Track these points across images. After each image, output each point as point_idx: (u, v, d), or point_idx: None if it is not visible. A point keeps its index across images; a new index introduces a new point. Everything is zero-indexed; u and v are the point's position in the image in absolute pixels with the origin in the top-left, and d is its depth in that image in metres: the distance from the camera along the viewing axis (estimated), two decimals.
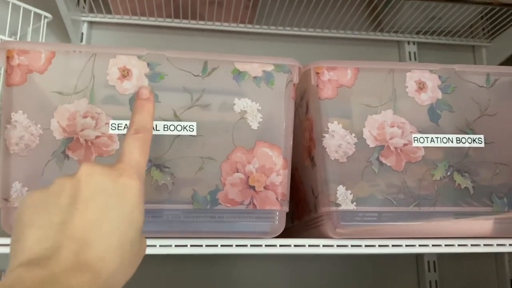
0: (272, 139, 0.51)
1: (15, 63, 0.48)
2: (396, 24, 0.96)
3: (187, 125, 0.50)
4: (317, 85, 0.53)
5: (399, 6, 0.90)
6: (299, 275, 0.88)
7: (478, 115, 0.54)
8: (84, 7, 0.91)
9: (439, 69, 0.54)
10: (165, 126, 0.49)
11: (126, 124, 0.49)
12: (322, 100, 0.53)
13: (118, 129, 0.49)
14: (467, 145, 0.53)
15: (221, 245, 0.51)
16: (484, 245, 0.54)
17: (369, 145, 0.53)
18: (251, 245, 0.51)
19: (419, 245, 0.53)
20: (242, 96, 0.51)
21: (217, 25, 0.94)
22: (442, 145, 0.53)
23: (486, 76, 0.55)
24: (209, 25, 0.94)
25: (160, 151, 0.49)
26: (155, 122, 0.49)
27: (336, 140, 0.52)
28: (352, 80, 0.54)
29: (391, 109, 0.53)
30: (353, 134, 0.53)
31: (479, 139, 0.53)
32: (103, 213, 0.30)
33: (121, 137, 0.49)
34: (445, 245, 0.53)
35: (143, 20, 0.92)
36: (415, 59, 1.01)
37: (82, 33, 0.92)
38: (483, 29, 1.05)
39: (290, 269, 0.89)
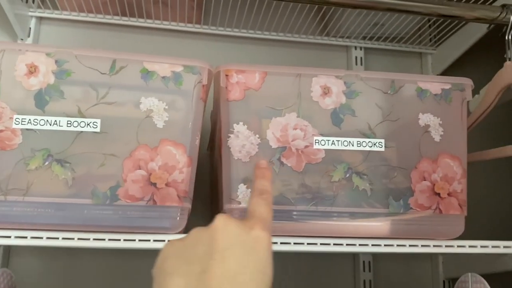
0: (177, 138, 0.53)
1: None
2: (341, 29, 0.98)
3: (90, 122, 0.51)
4: (226, 87, 0.55)
5: (341, 11, 0.92)
6: None
7: (381, 120, 0.56)
8: (33, 2, 0.92)
9: (345, 75, 0.56)
10: (69, 122, 0.50)
11: (30, 119, 0.50)
12: (230, 101, 0.55)
13: (21, 124, 0.50)
14: (367, 148, 0.55)
15: (124, 240, 0.53)
16: (385, 245, 0.56)
17: (271, 146, 0.55)
18: (154, 240, 0.53)
19: (321, 244, 0.55)
20: (149, 95, 0.53)
21: (164, 24, 0.95)
22: (343, 148, 0.55)
23: (391, 83, 0.57)
24: (156, 24, 0.95)
25: (62, 146, 0.50)
26: (58, 118, 0.50)
27: (240, 141, 0.54)
28: (259, 83, 0.55)
29: (295, 112, 0.55)
30: (257, 135, 0.54)
31: (380, 143, 0.56)
32: (239, 264, 0.32)
33: (24, 132, 0.50)
34: (347, 244, 0.56)
35: (91, 17, 0.93)
36: (361, 64, 1.04)
37: (30, 29, 0.93)
38: (430, 37, 1.07)
39: None
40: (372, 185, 0.55)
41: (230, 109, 0.55)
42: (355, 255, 0.96)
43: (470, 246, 0.59)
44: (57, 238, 0.51)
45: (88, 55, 0.52)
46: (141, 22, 0.95)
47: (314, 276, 0.93)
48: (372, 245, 0.56)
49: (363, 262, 0.95)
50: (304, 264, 0.93)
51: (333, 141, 0.55)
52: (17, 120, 0.50)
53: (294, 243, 0.55)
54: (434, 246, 0.57)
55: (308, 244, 0.54)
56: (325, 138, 0.55)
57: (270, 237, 0.35)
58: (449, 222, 0.56)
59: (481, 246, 0.59)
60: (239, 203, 0.53)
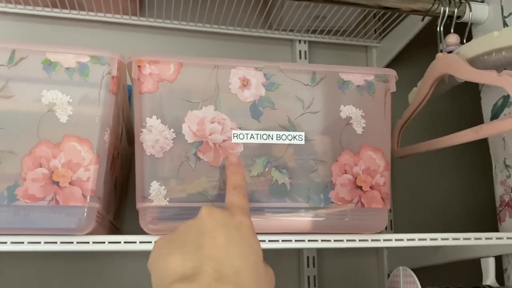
0: (82, 133, 0.50)
1: None
2: (284, 21, 0.96)
3: None
4: (138, 79, 0.52)
5: (281, 2, 0.90)
6: None
7: (301, 113, 0.55)
8: None
9: (264, 66, 0.54)
10: (2, 120, 0.46)
11: None
12: (142, 94, 0.52)
13: None
14: (287, 142, 0.54)
15: (28, 242, 0.49)
16: (309, 240, 0.55)
17: (187, 141, 0.52)
18: (61, 242, 0.50)
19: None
20: (52, 88, 0.49)
21: (99, 16, 0.91)
22: (262, 141, 0.53)
23: (312, 75, 0.56)
24: (90, 16, 0.91)
25: None
26: None
27: (153, 135, 0.51)
28: (174, 74, 0.53)
29: (213, 105, 0.53)
30: (172, 130, 0.52)
31: (300, 136, 0.54)
32: (228, 239, 0.35)
33: None
34: (270, 241, 0.54)
35: (20, 9, 0.88)
36: (305, 58, 1.03)
37: None
38: (375, 28, 1.07)
39: None
40: (291, 179, 0.53)
41: (143, 102, 0.52)
42: (299, 251, 0.95)
43: (396, 240, 0.58)
44: None
45: None
46: (74, 14, 0.91)
47: None
48: (296, 240, 0.54)
49: (307, 257, 0.94)
50: None
51: (251, 134, 0.53)
52: None
53: None
54: (359, 240, 0.56)
55: None
56: (244, 132, 0.53)
57: (250, 221, 0.39)
58: (372, 215, 0.55)
59: (408, 239, 0.58)
60: (152, 201, 0.51)
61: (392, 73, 0.58)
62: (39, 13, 0.89)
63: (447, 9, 0.74)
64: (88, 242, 0.50)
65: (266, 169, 0.53)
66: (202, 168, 0.52)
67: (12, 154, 0.48)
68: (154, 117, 0.52)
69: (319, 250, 0.95)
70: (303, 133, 0.54)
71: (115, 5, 0.90)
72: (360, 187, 0.55)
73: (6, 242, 0.49)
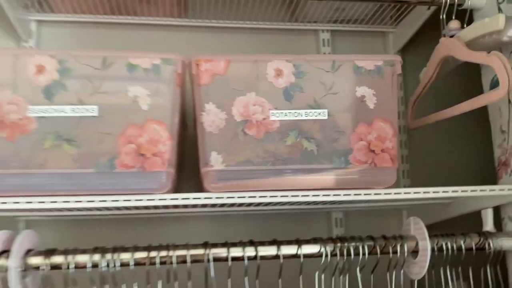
0: (159, 117, 0.66)
1: None
2: (307, 15, 1.10)
3: (90, 108, 0.64)
4: (197, 74, 0.68)
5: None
6: (224, 233, 1.04)
7: (324, 94, 0.69)
8: (32, 7, 1.04)
9: (293, 58, 0.69)
10: (72, 109, 0.64)
11: (41, 109, 0.63)
12: (201, 86, 0.68)
13: (35, 113, 0.63)
14: (313, 117, 0.69)
15: (124, 200, 0.66)
16: (334, 194, 0.70)
17: (236, 120, 0.68)
18: (147, 199, 0.67)
19: (281, 196, 0.69)
20: (134, 85, 0.66)
21: (150, 20, 1.08)
22: (293, 118, 0.68)
23: (332, 63, 0.70)
24: (142, 20, 1.07)
25: (69, 128, 0.64)
26: (63, 106, 0.63)
27: (210, 117, 0.67)
28: (224, 69, 0.68)
29: (254, 91, 0.68)
30: (224, 112, 0.68)
31: (324, 113, 0.69)
32: None
33: (38, 119, 0.63)
34: (292, 196, 0.69)
35: (84, 18, 1.06)
36: (328, 45, 1.16)
37: (32, 31, 1.05)
38: (391, 17, 1.19)
39: (215, 228, 1.04)
40: (318, 146, 0.68)
41: (201, 92, 0.68)
42: (328, 213, 1.10)
43: (405, 193, 0.72)
44: (69, 202, 0.65)
45: (83, 54, 0.65)
46: (128, 19, 1.07)
47: (292, 232, 1.07)
48: (323, 195, 0.69)
49: (335, 219, 1.09)
50: (284, 221, 1.07)
51: (285, 113, 0.68)
52: (31, 110, 0.63)
53: (260, 196, 0.68)
54: (374, 194, 0.71)
55: (270, 196, 0.68)
56: (279, 111, 0.68)
57: None
58: (383, 173, 0.70)
59: (414, 192, 0.73)
60: (212, 166, 0.67)
61: (397, 58, 0.72)
62: (99, 20, 1.06)
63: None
64: (166, 199, 0.67)
65: (298, 140, 0.68)
66: (247, 140, 0.68)
67: (109, 135, 0.65)
68: (211, 103, 0.68)
69: (346, 212, 1.10)
70: (326, 110, 0.69)
71: (164, 10, 1.06)
72: (373, 151, 0.69)
73: (105, 201, 0.66)
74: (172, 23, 1.08)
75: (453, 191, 0.74)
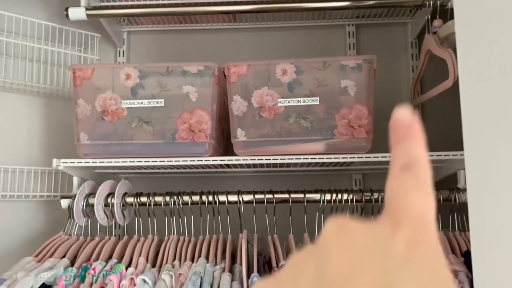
0: (203, 106, 0.99)
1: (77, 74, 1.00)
2: (333, 12, 1.34)
3: (159, 101, 0.99)
4: (228, 75, 0.99)
5: None
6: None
7: (317, 86, 0.97)
8: (123, 21, 1.41)
9: (295, 61, 0.97)
10: (148, 102, 0.99)
11: (129, 102, 1.00)
12: (230, 83, 0.99)
13: (126, 105, 1.00)
14: (308, 103, 0.97)
15: (183, 160, 1.01)
16: (327, 158, 0.98)
17: (254, 106, 0.98)
18: (198, 160, 1.01)
19: (289, 158, 0.98)
20: (187, 84, 0.99)
21: (208, 26, 1.40)
22: (294, 104, 0.97)
23: (323, 63, 0.97)
24: (203, 26, 1.40)
25: (146, 114, 0.99)
26: (143, 100, 0.99)
27: (237, 105, 0.99)
28: (246, 71, 0.99)
29: (266, 86, 0.98)
30: (246, 101, 0.98)
31: (316, 99, 0.96)
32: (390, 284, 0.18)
33: (127, 109, 1.00)
34: (296, 158, 0.98)
35: (162, 27, 1.41)
36: (353, 37, 1.40)
37: (124, 39, 1.43)
38: (410, 9, 1.39)
39: (250, 185, 1.36)
40: (311, 123, 0.97)
41: (231, 87, 0.99)
42: (349, 175, 1.36)
43: (374, 157, 0.98)
44: (149, 161, 1.01)
45: (153, 65, 1.00)
46: (192, 26, 1.41)
47: None
48: (318, 157, 0.98)
49: (355, 180, 1.35)
50: (308, 183, 1.36)
51: (288, 101, 0.97)
52: (123, 103, 0.99)
53: (273, 159, 0.99)
54: (350, 157, 0.97)
55: (281, 159, 0.98)
56: (284, 99, 0.97)
57: (437, 245, 0.20)
58: (359, 142, 0.96)
59: (381, 157, 0.98)
60: (238, 138, 0.99)
61: (374, 57, 0.97)
62: (173, 28, 1.41)
63: (431, 2, 1.07)
64: (209, 160, 1.01)
65: (297, 119, 0.97)
66: (262, 121, 0.98)
67: (171, 118, 0.99)
68: (237, 95, 0.99)
69: (364, 174, 1.36)
70: (318, 98, 0.96)
71: (217, 17, 1.37)
72: (352, 126, 0.96)
73: (171, 160, 1.01)
74: (225, 27, 1.39)
75: (445, 155, 0.98)
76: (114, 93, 1.00)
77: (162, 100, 0.99)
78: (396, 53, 1.40)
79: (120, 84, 1.00)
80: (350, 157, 0.96)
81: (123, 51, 1.42)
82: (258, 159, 0.98)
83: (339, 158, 0.97)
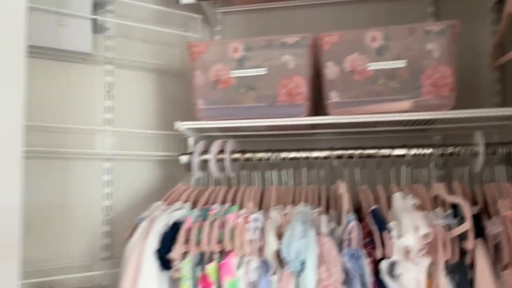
0: (300, 73, 1.14)
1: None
2: None
3: (262, 69, 1.15)
4: (321, 44, 1.13)
5: None
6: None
7: (404, 50, 1.08)
8: (219, 3, 1.58)
9: (383, 28, 1.09)
10: (253, 71, 1.16)
11: (237, 72, 1.17)
12: (324, 51, 1.13)
13: (235, 75, 1.17)
14: (396, 66, 1.08)
15: (283, 121, 1.17)
16: (412, 115, 1.10)
17: (346, 71, 1.12)
18: (293, 120, 1.16)
19: (381, 117, 1.11)
20: (285, 54, 1.14)
21: (295, 2, 1.53)
22: (382, 67, 1.09)
23: (409, 29, 1.08)
24: (290, 3, 1.54)
25: (250, 81, 1.16)
26: (248, 70, 1.16)
27: (329, 70, 1.13)
28: (338, 39, 1.12)
29: (358, 52, 1.11)
30: (338, 66, 1.12)
31: (403, 62, 1.08)
32: None
33: (237, 78, 1.18)
34: (384, 116, 1.11)
35: (252, 6, 1.57)
36: (432, 5, 1.47)
37: (219, 19, 1.61)
38: None
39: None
40: (399, 84, 1.08)
41: (324, 55, 1.13)
42: (429, 138, 1.45)
43: (457, 113, 1.07)
44: (253, 122, 1.18)
45: (256, 39, 1.16)
46: (281, 4, 1.54)
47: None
48: (405, 115, 1.09)
49: (435, 140, 1.44)
50: (395, 141, 1.47)
51: (377, 64, 1.09)
52: (232, 73, 1.17)
53: (363, 117, 1.12)
54: (435, 114, 1.08)
55: (370, 117, 1.11)
56: (373, 64, 1.10)
57: None
58: (442, 100, 1.06)
59: (464, 113, 1.07)
60: (332, 99, 1.13)
61: (456, 22, 1.06)
62: (263, 6, 1.56)
63: None
64: (302, 119, 1.16)
65: (385, 81, 1.09)
66: (353, 83, 1.11)
67: (273, 84, 1.15)
68: (330, 61, 1.13)
69: (444, 135, 1.44)
70: (405, 60, 1.08)
71: None
72: (437, 86, 1.06)
73: (272, 121, 1.18)
74: (311, 2, 1.52)
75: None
76: (224, 64, 1.18)
77: (265, 68, 1.16)
78: (475, 19, 1.45)
79: (229, 57, 1.18)
80: (435, 114, 1.07)
81: (219, 30, 1.60)
82: (349, 118, 1.12)
83: (424, 115, 1.08)
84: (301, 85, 1.14)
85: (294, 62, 1.14)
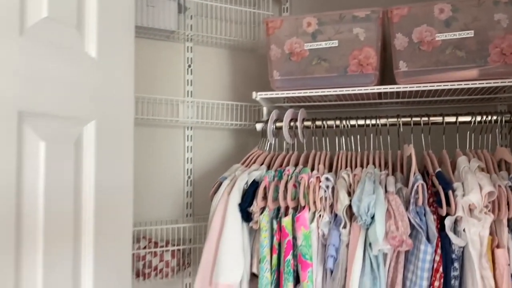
0: (370, 44, 1.22)
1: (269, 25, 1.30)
2: None
3: (334, 42, 1.25)
4: (391, 17, 1.21)
5: None
6: None
7: (471, 21, 1.13)
8: None
9: (451, 0, 1.14)
10: (325, 43, 1.25)
11: (310, 44, 1.27)
12: (393, 23, 1.21)
13: (308, 47, 1.27)
14: (463, 36, 1.14)
15: (346, 90, 1.26)
16: (480, 83, 1.15)
17: (414, 41, 1.19)
18: (364, 89, 1.25)
19: (450, 85, 1.18)
20: (356, 27, 1.23)
21: None
22: (449, 38, 1.15)
23: (478, 1, 1.13)
24: None
25: (324, 53, 1.26)
26: (321, 42, 1.26)
27: (399, 41, 1.20)
28: (407, 12, 1.19)
29: (425, 24, 1.17)
30: (407, 38, 1.19)
31: (470, 33, 1.13)
32: None
33: (309, 50, 1.28)
34: (451, 85, 1.17)
35: None
36: None
37: None
38: None
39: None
40: (466, 53, 1.14)
41: (394, 27, 1.21)
42: (494, 106, 1.49)
43: None
44: (325, 91, 1.28)
45: (329, 13, 1.25)
46: None
47: None
48: (471, 83, 1.15)
49: (500, 110, 1.48)
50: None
51: (445, 35, 1.15)
52: (306, 45, 1.27)
53: (431, 86, 1.19)
54: (502, 82, 1.13)
55: (437, 86, 1.18)
56: (441, 34, 1.16)
57: None
58: (510, 67, 1.11)
59: None
60: (400, 69, 1.20)
61: None
62: None
63: None
64: (374, 88, 1.24)
65: (453, 50, 1.15)
66: (421, 53, 1.18)
67: (344, 55, 1.24)
68: (399, 33, 1.20)
69: (509, 105, 1.47)
70: (472, 31, 1.13)
71: None
72: (504, 54, 1.11)
73: (343, 90, 1.27)
74: None
75: None
76: (298, 38, 1.28)
77: (336, 41, 1.25)
78: None
79: (302, 31, 1.28)
80: (501, 82, 1.12)
81: (287, 7, 1.70)
82: (417, 87, 1.19)
83: (491, 83, 1.13)
84: (371, 56, 1.22)
85: (365, 34, 1.23)
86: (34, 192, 0.79)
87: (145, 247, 1.37)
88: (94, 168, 0.92)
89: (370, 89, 1.24)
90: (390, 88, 1.23)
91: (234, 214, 1.22)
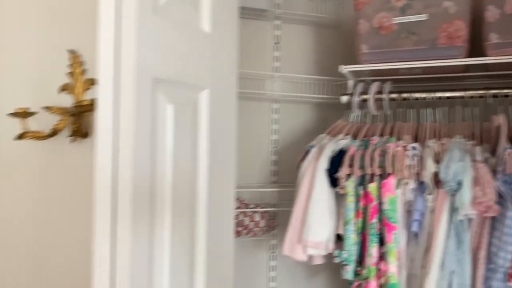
0: (460, 17, 1.24)
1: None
2: None
3: (423, 16, 1.28)
4: None
5: None
6: None
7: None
8: None
9: None
10: (414, 17, 1.29)
11: (403, 18, 1.32)
12: None
13: (397, 21, 1.32)
14: None
15: (448, 61, 1.29)
16: None
17: (507, 13, 1.19)
18: (455, 61, 1.28)
19: None
20: (446, 0, 1.25)
21: None
22: None
23: None
24: None
25: (412, 26, 1.30)
26: (409, 16, 1.30)
27: (491, 12, 1.21)
28: None
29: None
30: (499, 9, 1.20)
31: None
32: None
33: (399, 23, 1.33)
34: None
35: None
36: None
37: None
38: None
39: None
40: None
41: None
42: None
43: None
44: (414, 64, 1.32)
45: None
46: None
47: None
48: None
49: None
50: None
51: None
52: (394, 19, 1.32)
53: None
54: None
55: None
56: None
57: None
58: None
59: None
60: (491, 41, 1.22)
61: None
62: None
63: None
64: (465, 60, 1.27)
65: None
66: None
67: (433, 28, 1.28)
68: (491, 5, 1.21)
69: None
70: None
71: None
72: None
73: (432, 63, 1.31)
74: None
75: None
76: (387, 12, 1.33)
77: (425, 15, 1.28)
78: None
79: (392, 5, 1.33)
80: None
81: None
82: (509, 58, 1.20)
83: None
84: (461, 28, 1.24)
85: (455, 7, 1.25)
86: (163, 155, 0.93)
87: (238, 207, 1.51)
88: (206, 132, 1.05)
89: (461, 61, 1.27)
90: (480, 60, 1.25)
91: (322, 179, 1.31)
